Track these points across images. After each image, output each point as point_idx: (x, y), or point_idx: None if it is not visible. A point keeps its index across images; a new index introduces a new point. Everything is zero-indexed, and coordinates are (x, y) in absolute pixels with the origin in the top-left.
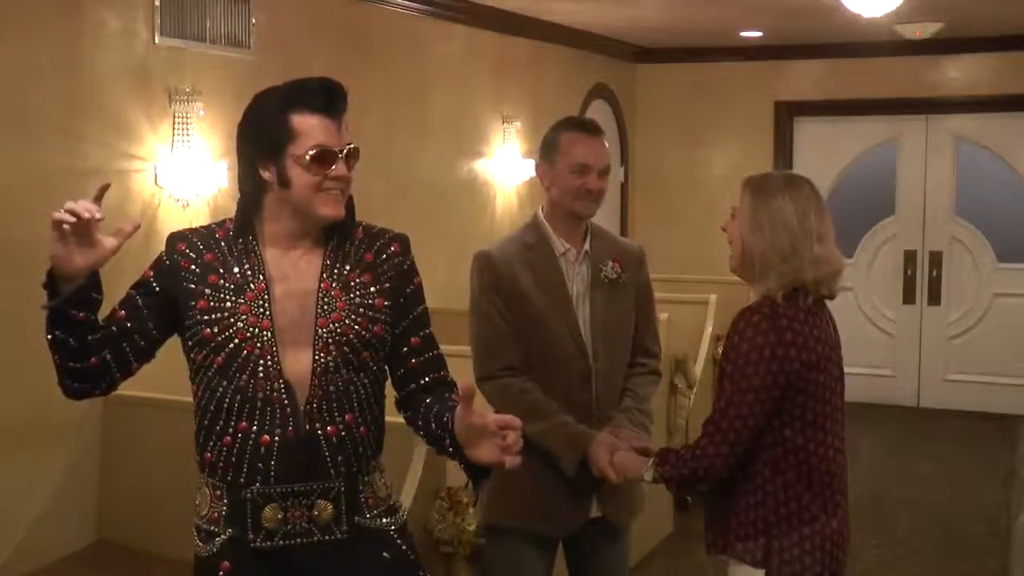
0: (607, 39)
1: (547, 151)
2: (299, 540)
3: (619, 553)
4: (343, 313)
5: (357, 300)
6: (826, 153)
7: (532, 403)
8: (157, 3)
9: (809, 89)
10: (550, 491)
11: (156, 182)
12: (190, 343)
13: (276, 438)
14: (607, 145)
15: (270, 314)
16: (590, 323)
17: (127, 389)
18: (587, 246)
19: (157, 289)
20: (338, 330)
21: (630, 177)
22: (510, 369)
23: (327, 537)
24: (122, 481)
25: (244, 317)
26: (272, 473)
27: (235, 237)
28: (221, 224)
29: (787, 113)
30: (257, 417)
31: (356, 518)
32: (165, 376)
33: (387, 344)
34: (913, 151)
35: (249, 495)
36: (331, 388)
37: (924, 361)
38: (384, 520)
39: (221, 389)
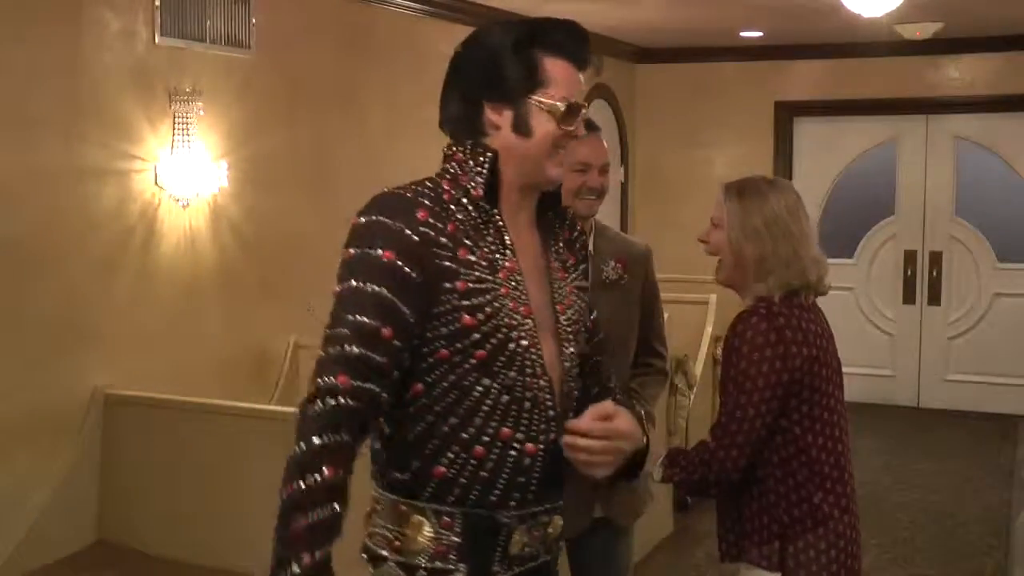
0: (607, 39)
1: None
2: (530, 565)
3: (622, 552)
4: (573, 298)
5: (577, 283)
6: (826, 153)
7: None
8: (157, 3)
9: (809, 89)
10: None
11: (156, 182)
12: (440, 333)
13: (541, 447)
14: (605, 143)
15: (527, 297)
16: None
17: (127, 389)
18: (590, 246)
19: (417, 278)
20: (574, 317)
21: (630, 177)
22: None
23: (548, 558)
24: (122, 481)
25: (506, 301)
26: (532, 489)
27: (478, 199)
28: (435, 183)
29: (787, 113)
30: (524, 422)
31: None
32: (165, 376)
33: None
34: (913, 151)
35: (506, 518)
36: (570, 386)
37: (924, 361)
38: None
39: (480, 388)
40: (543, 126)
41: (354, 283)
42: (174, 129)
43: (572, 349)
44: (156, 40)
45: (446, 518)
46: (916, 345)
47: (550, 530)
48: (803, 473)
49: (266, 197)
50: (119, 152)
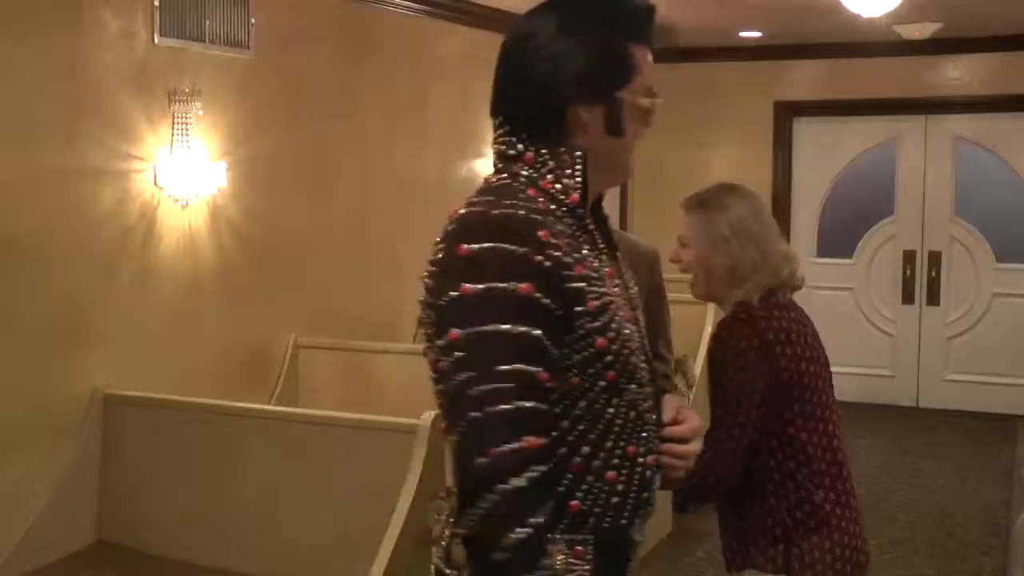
0: None
1: None
2: None
3: None
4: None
5: (632, 290)
6: (825, 153)
7: None
8: (156, 3)
9: (809, 89)
10: None
11: (155, 182)
12: (572, 361)
13: (655, 456)
14: None
15: (627, 303)
16: None
17: (127, 389)
18: None
19: (557, 310)
20: (641, 321)
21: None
22: None
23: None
24: (122, 481)
25: (620, 312)
26: (652, 500)
27: (574, 206)
28: (522, 192)
29: (787, 113)
30: (644, 436)
31: None
32: (165, 376)
33: None
34: (912, 151)
35: (638, 535)
36: (656, 385)
37: (923, 361)
38: None
39: (611, 411)
40: (633, 123)
41: (490, 327)
42: (173, 129)
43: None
44: (155, 40)
45: (579, 547)
46: (915, 345)
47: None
48: (802, 473)
49: (266, 197)
50: (118, 152)
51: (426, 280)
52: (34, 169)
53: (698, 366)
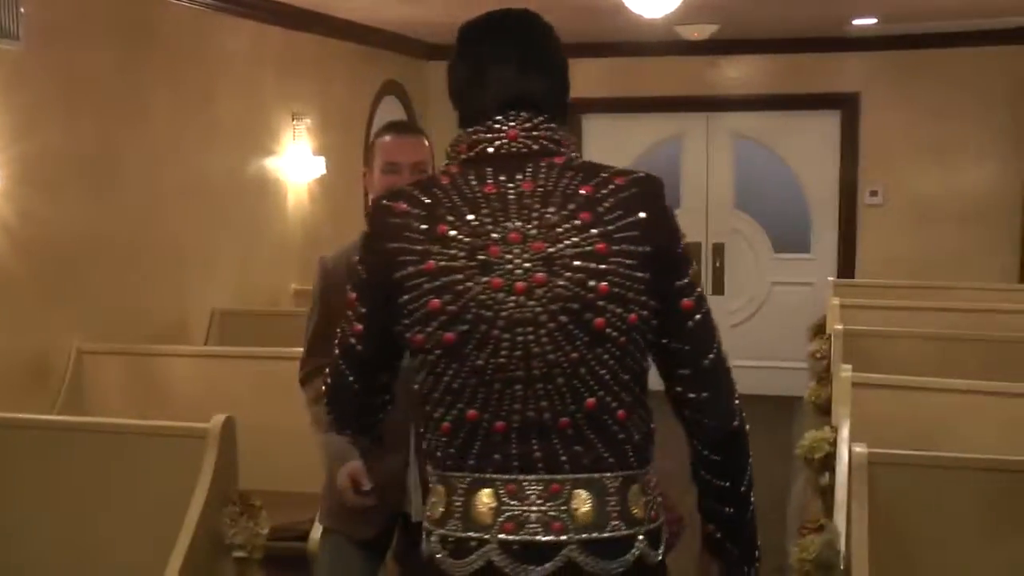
0: (397, 36)
1: (367, 159)
2: None
3: None
4: None
5: None
6: (614, 149)
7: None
8: None
9: (595, 87)
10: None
11: None
12: None
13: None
14: (426, 143)
15: None
16: None
17: None
18: None
19: None
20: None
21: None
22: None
23: None
24: None
25: None
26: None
27: None
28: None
29: (575, 110)
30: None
31: None
32: None
33: None
34: (695, 147)
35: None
36: None
37: None
38: None
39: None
40: None
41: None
42: None
43: None
44: None
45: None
46: None
47: None
48: None
49: (42, 197)
50: None
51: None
52: None
53: None
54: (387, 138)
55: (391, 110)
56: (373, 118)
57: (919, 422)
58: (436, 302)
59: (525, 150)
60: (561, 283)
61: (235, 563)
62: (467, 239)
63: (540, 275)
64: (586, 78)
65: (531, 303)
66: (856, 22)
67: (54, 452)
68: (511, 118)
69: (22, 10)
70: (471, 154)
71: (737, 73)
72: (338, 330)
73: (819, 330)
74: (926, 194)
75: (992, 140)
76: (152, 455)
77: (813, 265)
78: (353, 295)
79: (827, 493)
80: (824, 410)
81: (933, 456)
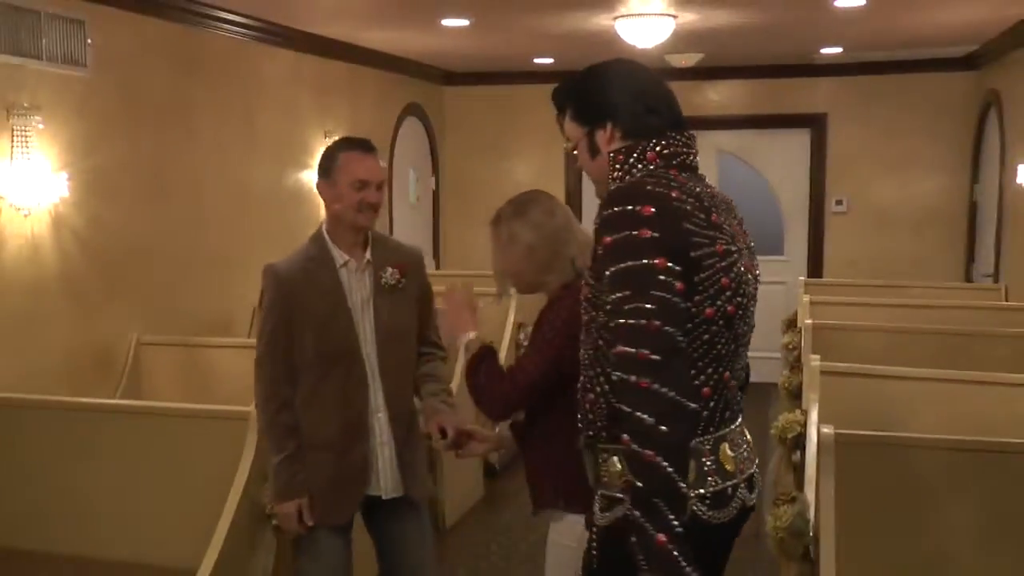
0: (418, 64)
1: (327, 171)
2: None
3: (421, 524)
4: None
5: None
6: None
7: (280, 438)
8: None
9: None
10: (326, 488)
11: None
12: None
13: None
14: (381, 163)
15: None
16: (374, 328)
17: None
18: (368, 255)
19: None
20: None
21: (440, 185)
22: (282, 408)
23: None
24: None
25: None
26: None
27: None
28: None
29: None
30: None
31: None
32: (13, 378)
33: None
34: None
35: None
36: None
37: None
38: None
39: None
40: None
41: (645, 261)
42: (12, 141)
43: None
44: None
45: None
46: None
47: None
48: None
49: (106, 205)
50: None
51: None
52: None
53: (503, 353)
54: (355, 155)
55: (413, 129)
56: (397, 136)
57: (880, 406)
58: (725, 280)
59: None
60: (757, 271)
61: (273, 531)
62: (727, 227)
63: (751, 263)
64: None
65: (755, 283)
66: (824, 51)
67: (117, 432)
68: (688, 136)
69: (89, 41)
70: (674, 161)
71: (719, 96)
72: (643, 305)
73: (791, 324)
74: (885, 203)
75: (942, 155)
76: (201, 435)
77: (786, 266)
78: (657, 260)
79: (798, 469)
80: (796, 395)
81: (892, 436)
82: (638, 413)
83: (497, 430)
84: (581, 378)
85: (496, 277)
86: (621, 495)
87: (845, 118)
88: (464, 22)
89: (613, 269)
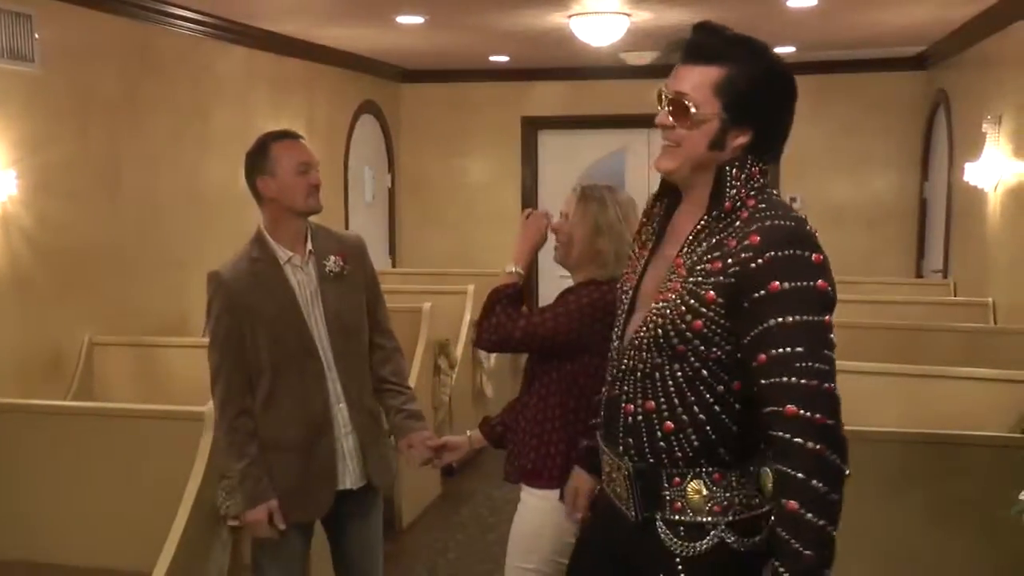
0: (374, 61)
1: (262, 167)
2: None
3: (373, 521)
4: (674, 294)
5: (691, 286)
6: (566, 161)
7: (241, 444)
8: None
9: (550, 106)
10: (295, 487)
11: None
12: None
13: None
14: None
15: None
16: (324, 318)
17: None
18: (309, 246)
19: None
20: (662, 308)
21: (396, 183)
22: (241, 413)
23: (629, 511)
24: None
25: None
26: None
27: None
28: None
29: (532, 127)
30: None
31: (650, 511)
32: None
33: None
34: (638, 159)
35: None
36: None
37: None
38: (676, 537)
39: None
40: None
41: (819, 318)
42: None
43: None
44: None
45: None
46: None
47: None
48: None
49: (57, 204)
50: None
51: None
52: None
53: (459, 349)
54: (287, 143)
55: (369, 126)
56: (352, 133)
57: None
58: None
59: None
60: None
61: (229, 531)
62: None
63: None
64: (543, 99)
65: None
66: (777, 50)
67: (69, 434)
68: None
69: (36, 36)
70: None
71: None
72: (817, 365)
73: None
74: (839, 200)
75: (894, 153)
76: (155, 435)
77: None
78: (827, 317)
79: None
80: None
81: (848, 430)
82: (813, 481)
83: (469, 434)
84: (637, 397)
85: (557, 234)
86: (710, 520)
87: (799, 117)
88: (419, 19)
89: (781, 320)
